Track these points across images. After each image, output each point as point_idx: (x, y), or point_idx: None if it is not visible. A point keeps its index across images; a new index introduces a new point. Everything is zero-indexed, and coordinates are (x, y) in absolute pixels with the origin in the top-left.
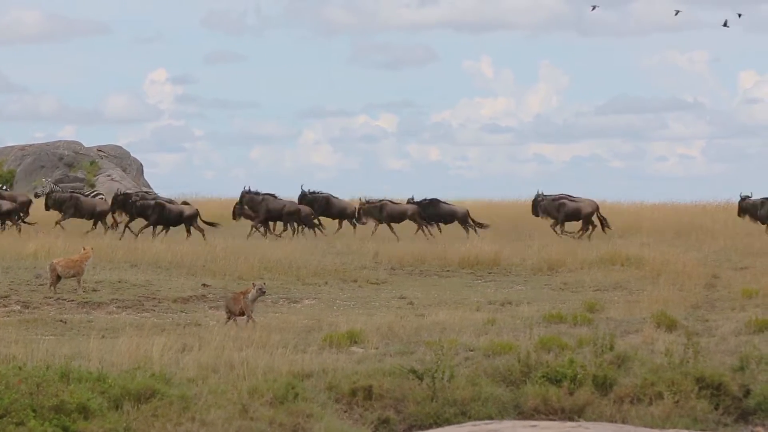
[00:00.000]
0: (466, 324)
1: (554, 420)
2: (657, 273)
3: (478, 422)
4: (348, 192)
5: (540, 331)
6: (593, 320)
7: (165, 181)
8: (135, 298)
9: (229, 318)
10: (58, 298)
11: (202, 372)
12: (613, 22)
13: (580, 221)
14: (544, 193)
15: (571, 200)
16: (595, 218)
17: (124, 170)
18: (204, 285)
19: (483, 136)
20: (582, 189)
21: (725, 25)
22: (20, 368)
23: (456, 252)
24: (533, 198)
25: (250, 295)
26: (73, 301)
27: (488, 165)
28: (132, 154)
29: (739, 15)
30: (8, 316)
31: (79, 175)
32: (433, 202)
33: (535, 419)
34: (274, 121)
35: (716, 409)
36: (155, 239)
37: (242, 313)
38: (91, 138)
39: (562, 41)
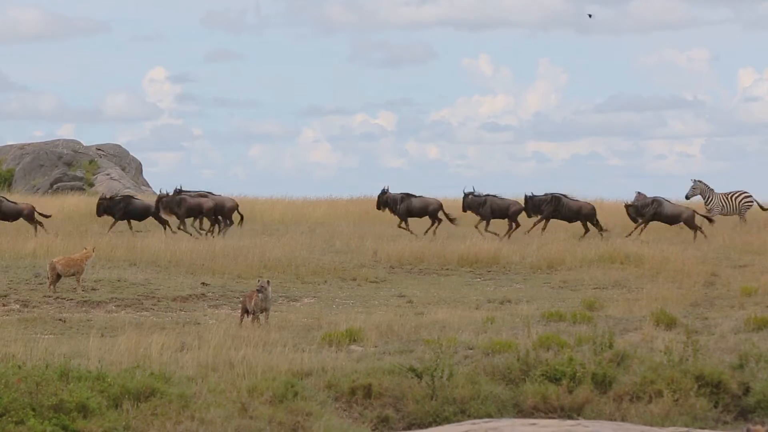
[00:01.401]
0: (466, 322)
1: (553, 418)
2: (656, 271)
3: (477, 420)
4: (348, 190)
5: (539, 329)
6: (592, 318)
7: (164, 179)
8: (134, 296)
9: (242, 316)
10: (58, 297)
11: (202, 371)
12: (611, 20)
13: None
14: (167, 192)
15: (192, 197)
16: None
17: (123, 169)
18: (203, 284)
19: (482, 135)
20: (581, 187)
21: (590, 16)
22: (20, 367)
23: (455, 250)
24: (158, 197)
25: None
26: (72, 300)
27: (487, 163)
28: (131, 153)
29: (590, 15)
30: (7, 315)
31: (78, 174)
32: (125, 199)
33: (534, 417)
34: (273, 119)
35: (716, 407)
36: (153, 238)
37: (255, 312)
38: (90, 137)
39: (561, 39)
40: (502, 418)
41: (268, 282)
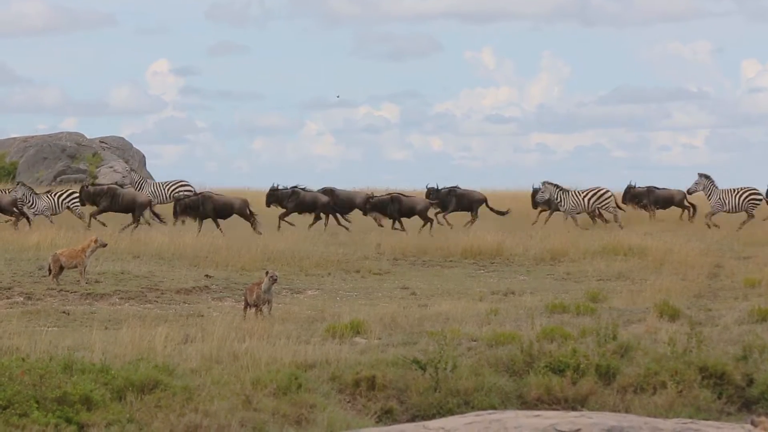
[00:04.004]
0: (469, 314)
1: (557, 410)
2: (660, 263)
3: (481, 412)
4: (351, 184)
5: (543, 321)
6: (596, 310)
7: (168, 172)
8: (138, 289)
9: (245, 308)
10: (61, 290)
11: (206, 363)
12: (615, 12)
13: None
14: None
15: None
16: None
17: (126, 162)
18: (207, 276)
19: (486, 127)
20: (585, 179)
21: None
22: (23, 360)
23: (458, 242)
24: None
25: (263, 285)
26: (75, 292)
27: (491, 155)
28: (134, 146)
29: (338, 96)
30: (11, 308)
31: (82, 166)
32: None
33: (538, 409)
34: (276, 112)
35: (719, 398)
36: (157, 230)
37: (256, 304)
38: (93, 129)
39: (565, 31)
40: (506, 410)
41: (267, 273)
